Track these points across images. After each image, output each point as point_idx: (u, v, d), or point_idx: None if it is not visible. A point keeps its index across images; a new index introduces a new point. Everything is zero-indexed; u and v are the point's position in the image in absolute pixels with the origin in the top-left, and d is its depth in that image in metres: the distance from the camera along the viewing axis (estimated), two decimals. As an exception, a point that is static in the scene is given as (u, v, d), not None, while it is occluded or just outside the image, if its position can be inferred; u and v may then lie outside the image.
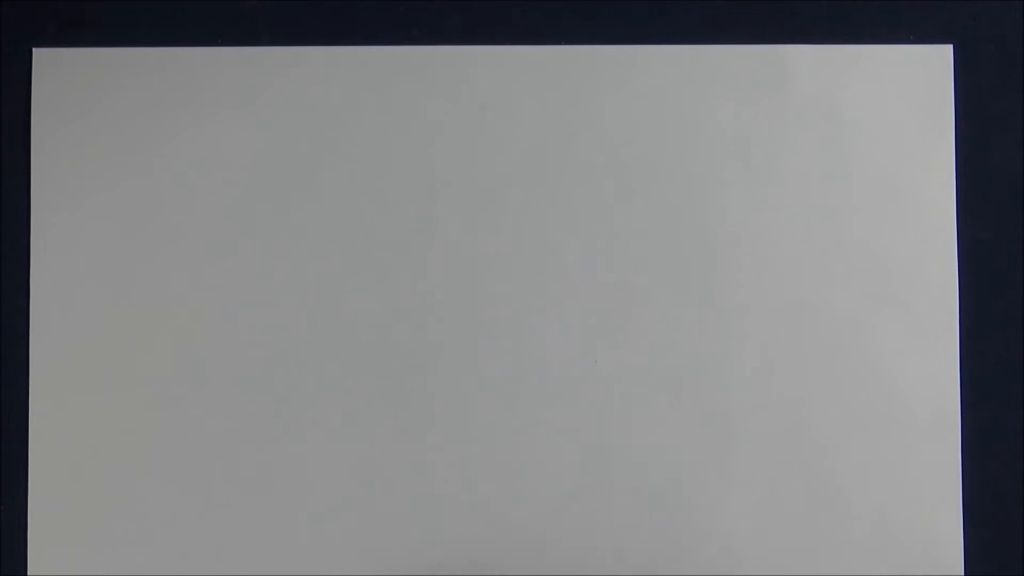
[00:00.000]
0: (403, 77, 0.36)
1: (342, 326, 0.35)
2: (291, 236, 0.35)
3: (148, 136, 0.35)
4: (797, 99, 0.36)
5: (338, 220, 0.35)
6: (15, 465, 0.35)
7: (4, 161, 0.36)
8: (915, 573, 0.35)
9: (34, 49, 0.36)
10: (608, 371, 0.35)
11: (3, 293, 0.35)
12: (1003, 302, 0.36)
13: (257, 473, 0.35)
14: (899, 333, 0.35)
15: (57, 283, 0.35)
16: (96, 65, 0.36)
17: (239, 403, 0.35)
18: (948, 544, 0.35)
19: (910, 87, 0.36)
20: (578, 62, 0.36)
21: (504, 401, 0.35)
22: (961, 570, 0.35)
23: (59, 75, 0.36)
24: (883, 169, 0.36)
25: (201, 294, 0.35)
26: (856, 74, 0.36)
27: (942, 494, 0.35)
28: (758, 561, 0.34)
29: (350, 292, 0.35)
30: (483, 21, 0.36)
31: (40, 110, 0.36)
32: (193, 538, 0.35)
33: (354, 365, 0.35)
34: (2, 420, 0.35)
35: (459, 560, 0.35)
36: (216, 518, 0.35)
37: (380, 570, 0.35)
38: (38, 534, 0.35)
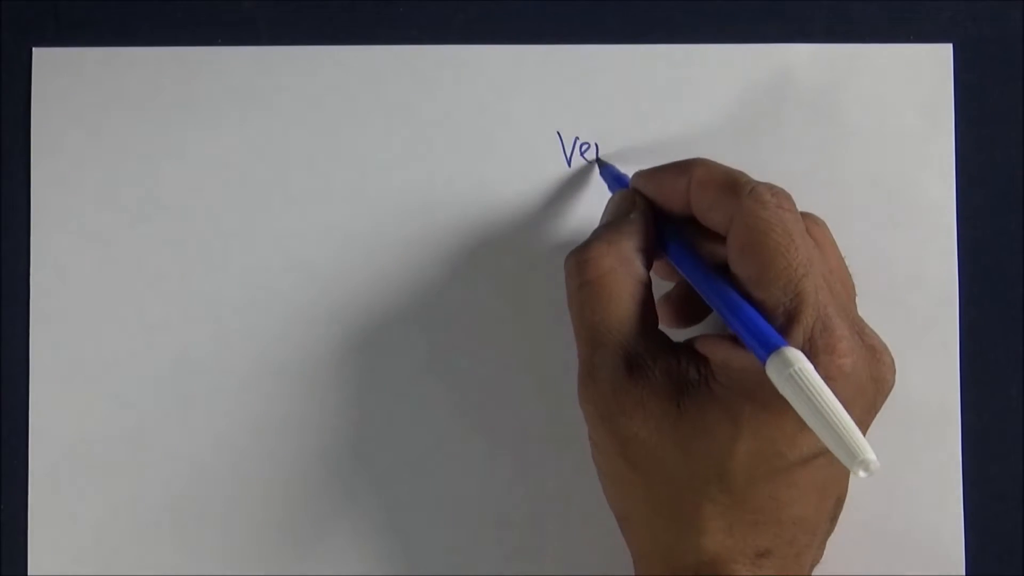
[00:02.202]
0: (403, 77, 0.36)
1: (343, 325, 0.35)
2: (291, 236, 0.35)
3: (148, 136, 0.35)
4: (797, 99, 0.36)
5: (338, 219, 0.35)
6: (15, 465, 0.35)
7: (4, 161, 0.36)
8: (915, 573, 0.35)
9: (34, 49, 0.36)
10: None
11: (3, 293, 0.35)
12: (1003, 302, 0.36)
13: (258, 473, 0.35)
14: (899, 333, 0.35)
15: (57, 283, 0.35)
16: (96, 65, 0.36)
17: (240, 403, 0.35)
18: (949, 544, 0.35)
19: (910, 87, 0.36)
20: (578, 62, 0.36)
21: (506, 401, 0.35)
22: (962, 570, 0.35)
23: (59, 75, 0.36)
24: (883, 169, 0.36)
25: (200, 293, 0.35)
26: (856, 74, 0.36)
27: (942, 494, 0.35)
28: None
29: (350, 291, 0.35)
30: (483, 21, 0.36)
31: (40, 110, 0.36)
32: (193, 538, 0.35)
33: (356, 364, 0.35)
34: (2, 420, 0.35)
35: (460, 561, 0.35)
36: (216, 518, 0.35)
37: (381, 570, 0.35)
38: (38, 534, 0.35)
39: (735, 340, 0.28)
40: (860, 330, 0.29)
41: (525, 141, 0.35)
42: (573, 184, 0.35)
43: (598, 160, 0.35)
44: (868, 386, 0.28)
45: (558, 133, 0.35)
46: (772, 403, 0.26)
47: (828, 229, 0.30)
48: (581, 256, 0.30)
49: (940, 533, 0.35)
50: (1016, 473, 0.35)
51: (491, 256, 0.35)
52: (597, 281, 0.29)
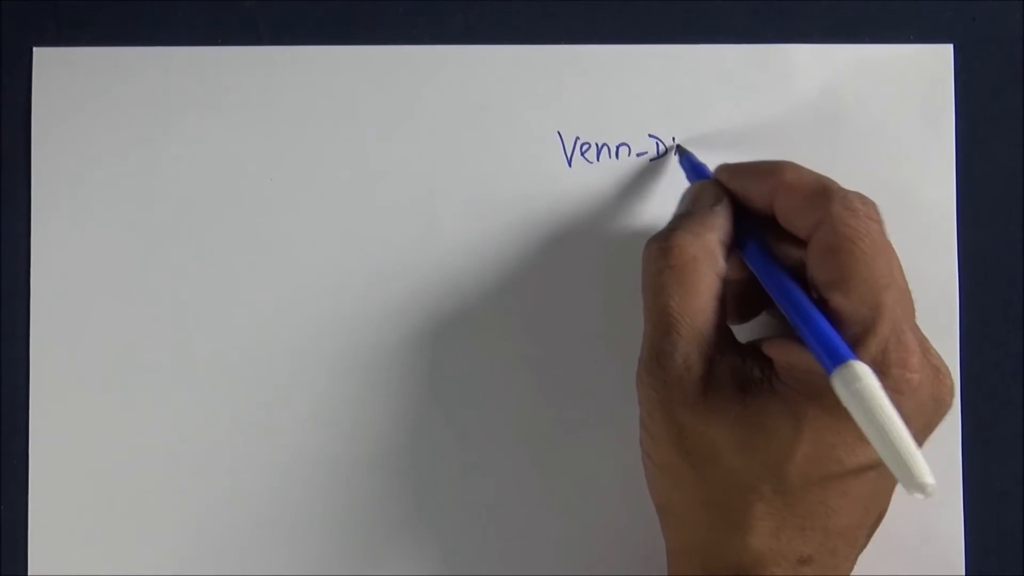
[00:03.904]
0: (403, 77, 0.36)
1: (342, 325, 0.35)
2: (291, 236, 0.35)
3: (148, 136, 0.35)
4: (797, 99, 0.36)
5: (338, 219, 0.35)
6: (15, 465, 0.35)
7: (4, 161, 0.36)
8: (915, 573, 0.35)
9: (34, 48, 0.36)
10: (611, 370, 0.35)
11: (3, 293, 0.35)
12: (1003, 302, 0.36)
13: (258, 473, 0.35)
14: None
15: (57, 283, 0.35)
16: (96, 65, 0.36)
17: (240, 403, 0.35)
18: (949, 544, 0.35)
19: (910, 87, 0.36)
20: (578, 62, 0.36)
21: (507, 401, 0.35)
22: (962, 570, 0.35)
23: (59, 75, 0.36)
24: (883, 169, 0.36)
25: (201, 293, 0.35)
26: (856, 74, 0.36)
27: (942, 494, 0.35)
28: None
29: (350, 291, 0.35)
30: (483, 21, 0.36)
31: (40, 110, 0.36)
32: (193, 538, 0.35)
33: (354, 365, 0.35)
34: (2, 420, 0.35)
35: (462, 561, 0.35)
36: (216, 518, 0.35)
37: (382, 570, 0.35)
38: (38, 534, 0.35)
39: (800, 342, 0.28)
40: (926, 349, 0.29)
41: (525, 141, 0.35)
42: (573, 184, 0.35)
43: (678, 148, 0.35)
44: (928, 405, 0.28)
45: (558, 133, 0.35)
46: (836, 408, 0.26)
47: (895, 250, 0.30)
48: (665, 243, 0.30)
49: (940, 533, 0.35)
50: (1016, 473, 0.35)
51: (491, 256, 0.35)
52: (680, 268, 0.29)
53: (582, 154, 0.35)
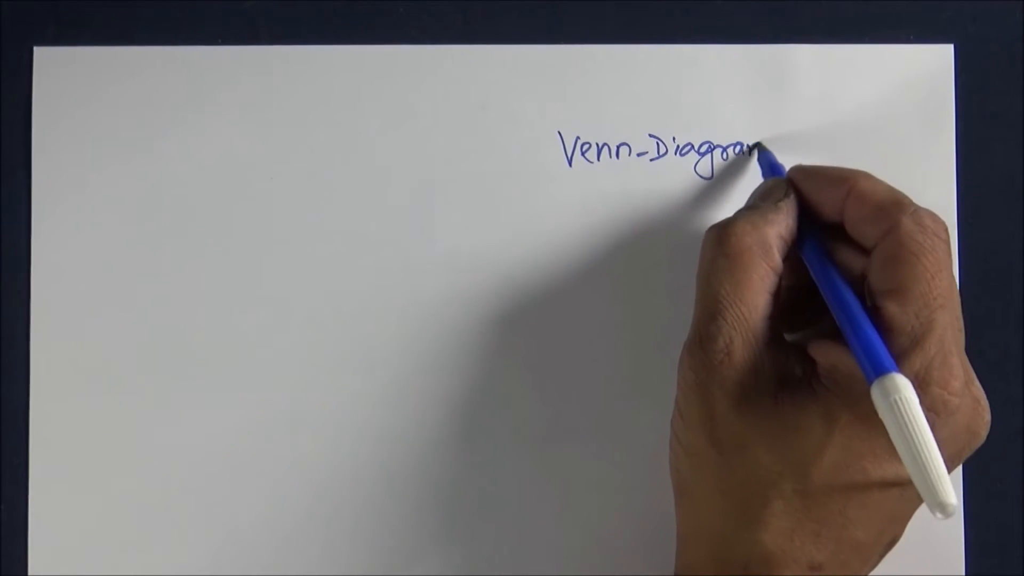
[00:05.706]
0: (403, 77, 0.36)
1: (342, 325, 0.35)
2: (290, 236, 0.35)
3: (148, 135, 0.35)
4: (797, 99, 0.36)
5: (338, 219, 0.35)
6: (15, 465, 0.35)
7: (4, 161, 0.36)
8: (915, 573, 0.35)
9: (34, 48, 0.36)
10: (613, 369, 0.35)
11: (3, 293, 0.35)
12: (1003, 302, 0.36)
13: (258, 473, 0.35)
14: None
15: (57, 283, 0.35)
16: (96, 64, 0.36)
17: (239, 403, 0.35)
18: (949, 544, 0.35)
19: (910, 87, 0.36)
20: (578, 62, 0.36)
21: (506, 400, 0.35)
22: (962, 570, 0.35)
23: (59, 74, 0.36)
24: (883, 169, 0.35)
25: (201, 293, 0.35)
26: (856, 74, 0.36)
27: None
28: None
29: (350, 291, 0.35)
30: (483, 21, 0.36)
31: (40, 109, 0.36)
32: (193, 538, 0.35)
33: (353, 364, 0.35)
34: (2, 420, 0.35)
35: (463, 560, 0.35)
36: (216, 518, 0.35)
37: (383, 569, 0.35)
38: (38, 534, 0.35)
39: (846, 347, 0.28)
40: (969, 379, 0.29)
41: (525, 141, 0.35)
42: (573, 184, 0.35)
43: (758, 145, 0.35)
44: (961, 434, 0.28)
45: (558, 133, 0.35)
46: (871, 418, 0.26)
47: (955, 275, 0.30)
48: (724, 230, 0.30)
49: (940, 533, 0.35)
50: (1016, 473, 0.35)
51: (491, 256, 0.35)
52: (734, 256, 0.30)
53: (582, 154, 0.35)
